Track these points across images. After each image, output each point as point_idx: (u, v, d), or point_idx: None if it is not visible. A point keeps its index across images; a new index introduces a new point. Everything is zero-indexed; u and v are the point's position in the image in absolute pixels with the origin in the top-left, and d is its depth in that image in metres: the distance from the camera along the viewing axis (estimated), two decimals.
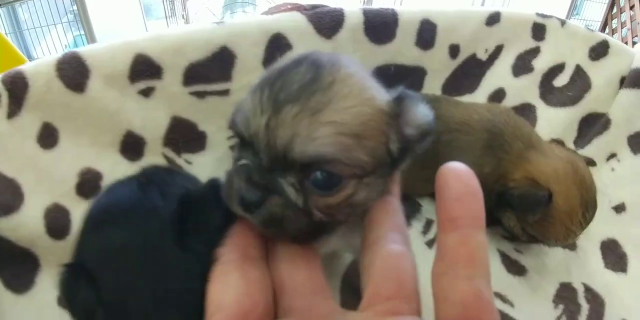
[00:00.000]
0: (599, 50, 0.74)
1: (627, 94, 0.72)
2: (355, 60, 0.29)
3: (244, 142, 0.27)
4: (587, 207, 0.55)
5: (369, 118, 0.25)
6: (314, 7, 0.65)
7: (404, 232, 0.25)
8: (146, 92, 0.61)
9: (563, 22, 0.75)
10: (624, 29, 1.17)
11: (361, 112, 0.25)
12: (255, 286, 0.23)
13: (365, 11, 0.66)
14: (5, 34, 1.49)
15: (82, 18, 1.49)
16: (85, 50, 0.57)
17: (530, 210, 0.55)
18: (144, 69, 0.59)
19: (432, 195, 0.72)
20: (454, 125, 0.60)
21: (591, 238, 0.68)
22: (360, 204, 0.27)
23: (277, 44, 0.63)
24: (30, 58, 1.65)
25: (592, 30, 0.75)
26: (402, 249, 0.24)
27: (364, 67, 0.65)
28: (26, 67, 0.56)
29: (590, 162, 0.62)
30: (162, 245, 0.28)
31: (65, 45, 1.64)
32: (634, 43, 1.12)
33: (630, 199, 0.70)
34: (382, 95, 0.28)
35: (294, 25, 0.63)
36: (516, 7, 1.73)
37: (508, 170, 0.58)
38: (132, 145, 0.62)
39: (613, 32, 1.24)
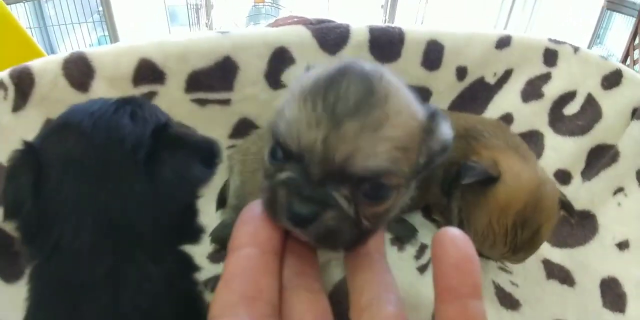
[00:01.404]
0: (612, 79, 0.73)
1: (638, 126, 0.69)
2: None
3: (288, 154, 0.26)
4: (523, 224, 0.52)
5: (414, 132, 0.27)
6: (320, 21, 0.66)
7: (396, 292, 0.26)
8: (148, 97, 0.62)
9: (576, 49, 0.73)
10: None
11: (410, 126, 0.26)
12: None
13: (371, 29, 0.66)
14: (30, 28, 1.55)
15: (107, 19, 1.54)
16: (91, 51, 0.59)
17: (467, 174, 0.53)
18: (147, 74, 0.60)
19: (424, 210, 0.72)
20: None
21: (592, 275, 0.65)
22: (393, 211, 0.28)
23: (280, 58, 0.64)
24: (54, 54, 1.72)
25: (606, 58, 0.74)
26: (400, 312, 0.24)
27: None
28: (34, 63, 0.58)
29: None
30: (115, 163, 0.30)
31: (89, 45, 1.69)
32: None
33: (635, 236, 0.67)
34: (420, 110, 0.29)
35: (298, 39, 0.64)
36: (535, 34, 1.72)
37: (475, 152, 0.57)
38: None
39: (635, 62, 1.21)
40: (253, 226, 0.26)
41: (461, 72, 0.72)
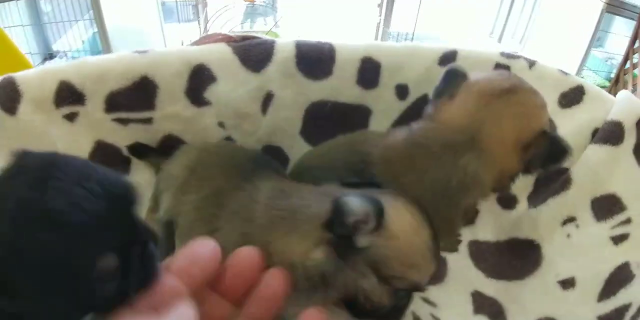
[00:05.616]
0: (571, 97, 0.69)
1: (596, 150, 0.66)
2: None
3: None
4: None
5: None
6: (245, 38, 0.68)
7: None
8: (70, 117, 0.67)
9: (532, 64, 0.71)
10: None
11: None
12: None
13: (298, 44, 0.67)
14: (24, 26, 1.66)
15: (97, 16, 1.63)
16: (20, 75, 0.64)
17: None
18: (67, 96, 0.65)
19: None
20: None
21: (526, 314, 0.63)
22: None
23: (200, 75, 0.66)
24: (49, 51, 1.83)
25: (567, 74, 0.70)
26: None
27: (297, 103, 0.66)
28: None
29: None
30: None
31: (83, 41, 1.79)
32: None
33: (583, 273, 0.64)
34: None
35: (218, 56, 0.66)
36: (534, 41, 1.66)
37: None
38: None
39: (634, 66, 1.14)
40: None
41: (401, 91, 0.72)
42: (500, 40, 1.96)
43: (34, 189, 0.31)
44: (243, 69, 0.67)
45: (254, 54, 0.67)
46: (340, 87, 0.70)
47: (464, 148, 0.48)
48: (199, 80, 0.67)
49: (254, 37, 0.68)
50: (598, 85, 0.78)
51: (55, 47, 1.80)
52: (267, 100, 0.69)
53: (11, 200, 0.31)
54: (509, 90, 0.49)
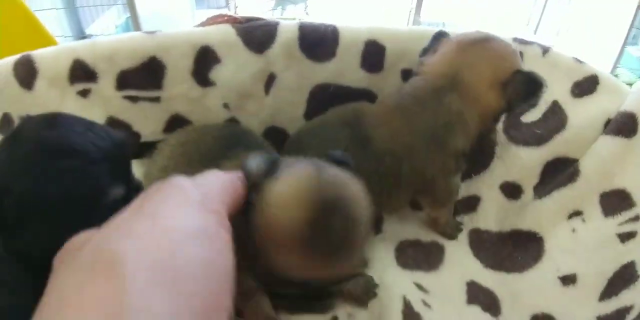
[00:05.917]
0: (585, 86, 0.67)
1: (607, 141, 0.63)
2: None
3: None
4: None
5: None
6: (249, 20, 0.69)
7: None
8: (84, 93, 0.71)
9: (545, 51, 0.68)
10: None
11: None
12: None
13: (301, 26, 0.68)
14: (57, 9, 1.73)
15: (129, 1, 1.68)
16: (36, 53, 0.69)
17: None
18: (80, 73, 0.69)
19: None
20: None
21: (522, 308, 0.62)
22: None
23: (205, 57, 0.69)
24: (82, 35, 1.91)
25: (581, 62, 0.68)
26: None
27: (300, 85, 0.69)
28: None
29: None
30: None
31: (116, 26, 1.86)
32: None
33: (586, 270, 0.61)
34: None
35: (222, 38, 0.68)
36: (570, 35, 1.59)
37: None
38: None
39: None
40: None
41: (407, 75, 0.71)
42: (536, 32, 1.89)
43: (50, 130, 0.36)
44: (246, 50, 0.68)
45: (257, 35, 0.68)
46: (344, 69, 0.70)
47: (446, 89, 0.55)
48: (204, 62, 0.69)
49: (258, 19, 0.69)
50: (632, 84, 0.75)
51: (88, 31, 1.87)
52: (270, 81, 0.71)
53: (30, 141, 0.36)
54: (484, 39, 0.56)
